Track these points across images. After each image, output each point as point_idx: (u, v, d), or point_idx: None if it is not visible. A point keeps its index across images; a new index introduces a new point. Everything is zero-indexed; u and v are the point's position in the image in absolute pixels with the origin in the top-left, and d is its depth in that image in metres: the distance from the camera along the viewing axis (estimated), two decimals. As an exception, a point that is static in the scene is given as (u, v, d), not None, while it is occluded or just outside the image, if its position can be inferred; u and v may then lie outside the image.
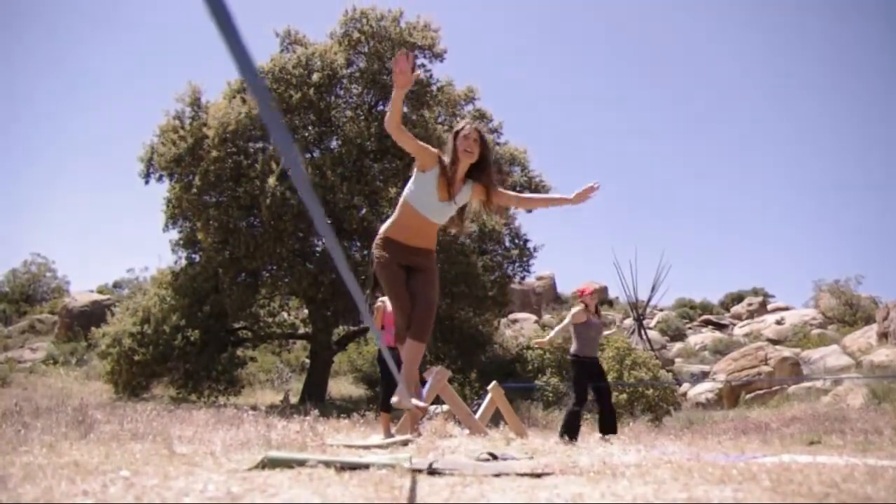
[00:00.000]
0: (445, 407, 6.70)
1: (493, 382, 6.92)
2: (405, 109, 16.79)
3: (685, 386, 19.28)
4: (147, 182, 16.63)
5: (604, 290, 34.07)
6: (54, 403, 7.36)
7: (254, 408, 7.08)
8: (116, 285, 33.77)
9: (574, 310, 6.44)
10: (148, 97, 79.91)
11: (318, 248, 15.90)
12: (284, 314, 19.39)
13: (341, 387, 20.19)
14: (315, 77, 15.62)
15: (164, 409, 7.97)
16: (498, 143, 18.02)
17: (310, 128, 16.33)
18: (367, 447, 3.74)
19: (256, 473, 2.03)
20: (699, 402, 17.80)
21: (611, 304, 35.31)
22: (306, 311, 18.44)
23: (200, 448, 3.00)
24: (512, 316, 29.91)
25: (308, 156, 15.87)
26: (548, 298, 35.77)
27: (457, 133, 3.27)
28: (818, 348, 22.13)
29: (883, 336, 19.81)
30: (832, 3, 73.09)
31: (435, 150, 3.28)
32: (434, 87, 17.27)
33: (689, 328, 32.76)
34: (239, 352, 17.48)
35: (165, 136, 15.82)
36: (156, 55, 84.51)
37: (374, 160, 15.91)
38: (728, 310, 36.35)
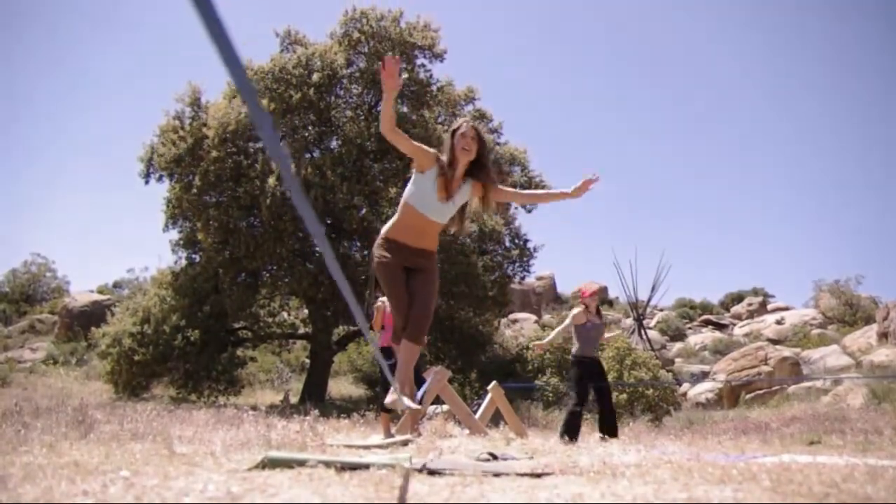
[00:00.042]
0: (445, 407, 6.69)
1: (493, 382, 6.90)
2: (405, 110, 16.80)
3: (685, 386, 19.28)
4: (147, 182, 16.65)
5: (604, 290, 34.06)
6: (54, 403, 7.36)
7: (254, 408, 7.08)
8: (116, 285, 33.77)
9: (574, 311, 6.49)
10: (148, 97, 79.99)
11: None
12: (284, 314, 19.41)
13: (341, 387, 20.19)
14: (315, 77, 15.62)
15: (164, 409, 7.97)
16: (498, 143, 18.02)
17: (310, 128, 16.33)
18: (367, 447, 3.73)
19: (256, 473, 2.03)
20: (699, 402, 17.80)
21: (611, 304, 35.30)
22: (306, 311, 18.45)
23: (200, 448, 3.00)
24: (512, 316, 29.91)
25: (308, 156, 15.87)
26: (548, 298, 35.77)
27: (454, 132, 3.27)
28: (818, 348, 22.13)
29: (883, 336, 19.81)
30: (832, 3, 73.14)
31: (432, 150, 3.28)
32: (434, 87, 17.27)
33: (689, 328, 32.75)
34: (239, 352, 17.49)
35: (165, 136, 15.83)
36: (156, 55, 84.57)
37: (374, 160, 15.91)
38: (728, 310, 36.35)
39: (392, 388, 3.19)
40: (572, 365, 6.45)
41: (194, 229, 16.48)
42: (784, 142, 73.55)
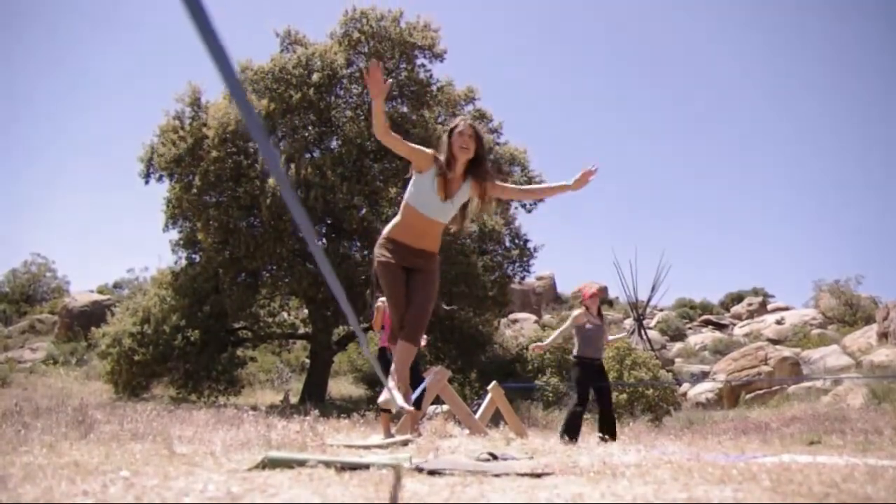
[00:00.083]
0: (445, 407, 6.69)
1: (493, 382, 6.91)
2: (405, 110, 16.80)
3: (685, 386, 19.28)
4: (147, 182, 16.64)
5: (604, 290, 34.07)
6: (54, 403, 7.36)
7: (254, 408, 7.08)
8: (116, 285, 33.78)
9: (575, 312, 6.54)
10: (148, 97, 79.98)
11: (320, 248, 15.89)
12: (284, 314, 19.41)
13: (341, 387, 20.19)
14: (315, 77, 15.62)
15: (164, 409, 7.97)
16: (498, 143, 18.02)
17: (310, 128, 16.33)
18: (367, 447, 3.73)
19: (256, 473, 2.03)
20: (699, 402, 17.80)
21: (611, 304, 35.30)
22: (306, 311, 18.45)
23: (200, 448, 3.00)
24: (512, 316, 29.91)
25: (308, 156, 15.87)
26: (548, 298, 35.78)
27: (451, 130, 3.28)
28: (818, 348, 22.13)
29: (883, 336, 19.82)
30: (832, 3, 73.13)
31: (429, 151, 3.28)
32: (434, 87, 17.27)
33: (689, 328, 32.76)
34: (239, 352, 17.49)
35: (165, 136, 15.82)
36: (156, 55, 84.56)
37: (374, 160, 15.91)
38: (728, 310, 36.35)
39: (386, 387, 3.18)
40: (573, 365, 6.47)
41: (194, 229, 16.48)
42: (784, 142, 73.61)
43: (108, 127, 71.80)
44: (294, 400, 15.55)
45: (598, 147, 78.92)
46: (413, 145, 3.28)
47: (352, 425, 6.29)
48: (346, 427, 6.18)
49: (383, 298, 5.93)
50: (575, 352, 6.42)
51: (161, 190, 17.56)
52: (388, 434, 5.60)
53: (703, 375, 21.27)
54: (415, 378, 5.72)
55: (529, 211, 18.34)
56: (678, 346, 28.85)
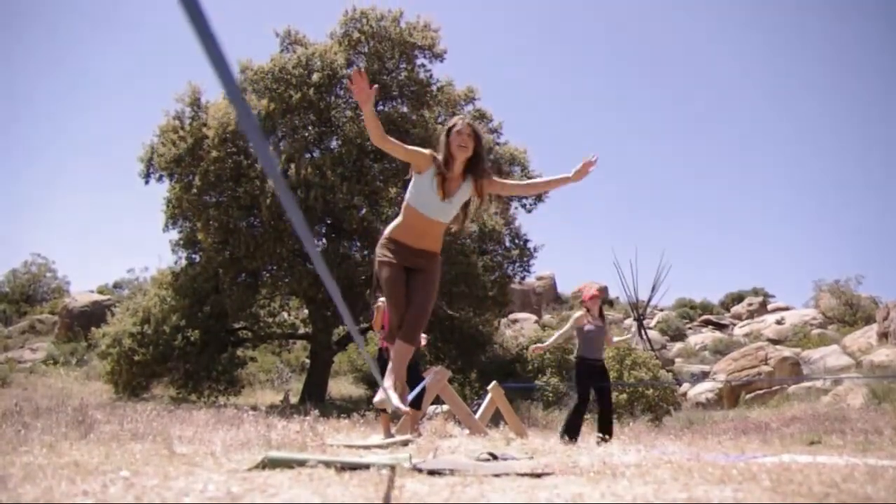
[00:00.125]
0: (445, 407, 6.69)
1: (493, 382, 6.92)
2: (405, 110, 16.80)
3: (685, 386, 19.28)
4: (147, 182, 16.65)
5: (604, 289, 34.07)
6: (54, 403, 7.36)
7: (254, 408, 7.08)
8: (116, 285, 33.78)
9: (576, 314, 6.59)
10: (148, 97, 80.00)
11: (317, 249, 15.88)
12: (284, 314, 19.41)
13: (341, 387, 20.20)
14: (315, 77, 15.62)
15: (164, 409, 7.97)
16: (498, 143, 18.02)
17: (310, 128, 16.33)
18: (367, 447, 3.73)
19: (256, 473, 2.03)
20: (699, 402, 17.79)
21: (611, 304, 35.30)
22: (306, 311, 18.45)
23: (200, 448, 3.00)
24: (512, 316, 29.91)
25: (308, 156, 15.87)
26: (548, 298, 35.78)
27: (449, 129, 3.28)
28: (818, 348, 22.13)
29: (883, 336, 19.81)
30: (832, 3, 73.14)
31: (427, 151, 3.28)
32: (434, 87, 17.27)
33: (690, 328, 32.75)
34: (239, 352, 17.49)
35: (165, 136, 15.82)
36: (156, 55, 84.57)
37: (374, 160, 15.91)
38: (728, 310, 36.35)
39: (382, 387, 3.18)
40: (575, 366, 6.51)
41: (194, 229, 16.48)
42: (784, 142, 73.60)
43: (108, 127, 71.86)
44: (294, 400, 15.55)
45: (598, 147, 78.93)
46: (410, 147, 3.28)
47: (352, 425, 6.29)
48: (346, 427, 6.18)
49: (383, 298, 5.94)
50: (576, 353, 6.49)
51: (161, 190, 17.59)
52: (388, 434, 5.60)
53: (703, 375, 21.27)
54: (415, 378, 5.73)
55: (529, 211, 18.35)
56: (678, 346, 28.85)
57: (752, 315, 32.97)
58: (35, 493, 1.64)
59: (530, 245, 17.45)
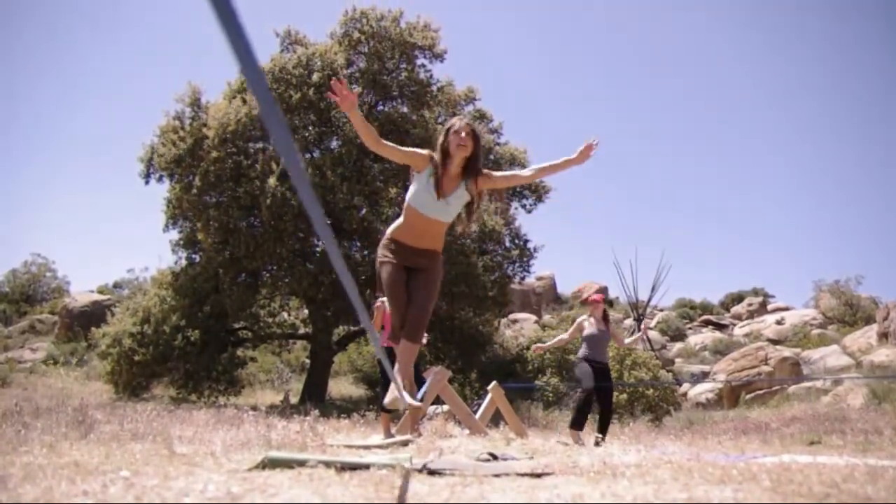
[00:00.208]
0: (445, 407, 6.69)
1: (493, 382, 6.92)
2: (405, 110, 16.79)
3: (685, 386, 19.28)
4: (147, 182, 16.65)
5: (604, 290, 34.08)
6: (54, 403, 7.36)
7: (254, 408, 7.09)
8: (116, 285, 33.78)
9: (579, 319, 6.71)
10: (148, 97, 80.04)
11: (318, 249, 15.90)
12: (284, 314, 19.39)
13: (341, 387, 20.19)
14: (315, 77, 15.62)
15: (164, 409, 7.97)
16: (498, 143, 18.03)
17: (310, 128, 16.33)
18: (367, 447, 3.73)
19: (256, 473, 2.03)
20: (699, 402, 17.80)
21: (611, 304, 35.29)
22: (306, 311, 18.44)
23: (200, 448, 3.00)
24: (512, 316, 29.91)
25: (308, 156, 15.87)
26: (548, 299, 35.78)
27: (448, 129, 3.28)
28: (818, 348, 22.14)
29: (883, 336, 19.82)
30: (832, 3, 73.14)
31: (425, 151, 3.29)
32: (434, 88, 17.27)
33: (690, 328, 32.76)
34: (239, 352, 17.48)
35: (165, 136, 15.82)
36: (156, 55, 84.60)
37: (374, 160, 15.91)
38: (728, 310, 36.36)
39: (392, 387, 3.18)
40: (580, 363, 6.57)
41: (194, 229, 16.47)
42: (784, 142, 73.57)
43: (108, 127, 71.89)
44: (294, 400, 15.55)
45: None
46: (406, 149, 3.29)
47: (352, 425, 6.29)
48: (346, 427, 6.18)
49: (383, 298, 5.94)
50: (579, 353, 6.59)
51: (161, 190, 17.60)
52: (388, 434, 5.60)
53: (703, 375, 21.28)
54: (415, 378, 5.73)
55: (529, 211, 18.36)
56: (678, 346, 28.85)
57: (752, 315, 32.98)
58: (35, 493, 1.64)
59: (530, 245, 17.47)
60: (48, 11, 70.82)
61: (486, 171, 3.36)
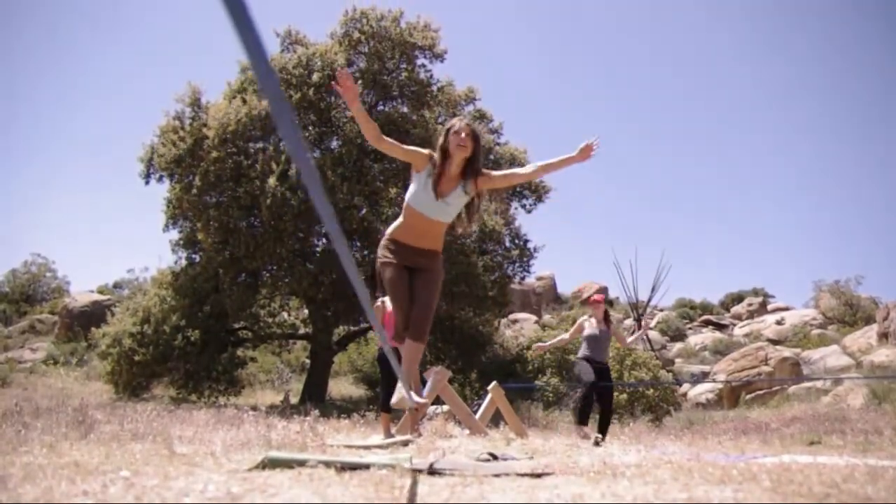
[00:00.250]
0: (445, 407, 6.69)
1: (494, 383, 6.92)
2: (405, 110, 16.79)
3: (685, 386, 19.28)
4: (147, 182, 16.64)
5: (604, 290, 34.07)
6: (54, 403, 7.36)
7: (254, 408, 7.08)
8: (116, 285, 33.79)
9: (580, 320, 6.72)
10: (148, 97, 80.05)
11: (318, 249, 15.90)
12: (284, 314, 19.39)
13: (341, 387, 20.19)
14: (315, 77, 15.62)
15: (164, 409, 7.97)
16: (498, 144, 18.02)
17: (310, 128, 16.33)
18: (367, 447, 3.73)
19: (257, 474, 2.03)
20: (699, 402, 17.80)
21: (611, 304, 35.29)
22: (306, 311, 18.44)
23: (200, 448, 3.00)
24: (512, 316, 29.91)
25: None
26: (548, 299, 35.78)
27: (448, 130, 3.28)
28: (818, 348, 22.14)
29: (883, 336, 19.82)
30: (832, 3, 73.15)
31: (425, 151, 3.29)
32: (434, 88, 17.26)
33: (690, 328, 32.76)
34: (239, 352, 17.48)
35: (165, 136, 15.82)
36: (156, 55, 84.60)
37: (374, 160, 15.91)
38: (728, 310, 36.36)
39: (399, 387, 3.18)
40: (580, 361, 6.57)
41: (194, 229, 16.46)
42: (784, 142, 73.62)
43: (108, 127, 71.90)
44: (294, 400, 15.55)
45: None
46: (407, 147, 3.29)
47: (352, 425, 6.29)
48: (346, 427, 6.19)
49: (383, 298, 5.95)
50: (580, 353, 6.61)
51: (161, 190, 17.60)
52: (388, 434, 5.60)
53: (704, 376, 21.28)
54: (415, 378, 5.73)
55: (529, 211, 18.35)
56: (678, 346, 28.85)
57: (752, 315, 32.98)
58: (35, 493, 1.64)
59: (530, 245, 17.46)
60: (48, 11, 70.87)
61: (485, 171, 3.36)
